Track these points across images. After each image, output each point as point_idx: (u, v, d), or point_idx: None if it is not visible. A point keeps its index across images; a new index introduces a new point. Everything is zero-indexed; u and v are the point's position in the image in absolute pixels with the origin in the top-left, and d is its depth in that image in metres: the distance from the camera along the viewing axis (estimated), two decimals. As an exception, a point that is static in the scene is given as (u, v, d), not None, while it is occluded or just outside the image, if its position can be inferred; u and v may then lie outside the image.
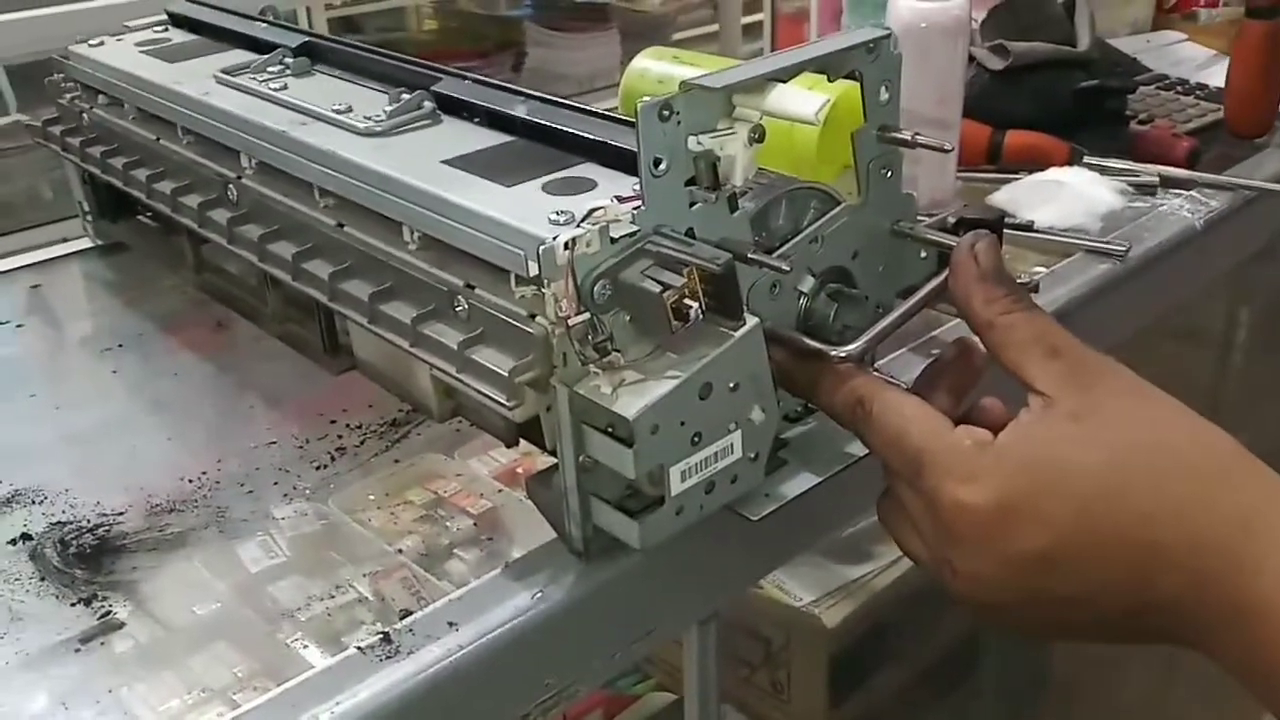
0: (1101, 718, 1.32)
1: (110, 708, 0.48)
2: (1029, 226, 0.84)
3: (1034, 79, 0.98)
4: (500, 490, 0.63)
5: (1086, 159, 0.93)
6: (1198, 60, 1.21)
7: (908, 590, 1.00)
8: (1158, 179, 0.91)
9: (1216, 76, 1.15)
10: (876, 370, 0.59)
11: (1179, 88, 1.12)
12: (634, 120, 0.47)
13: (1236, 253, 0.92)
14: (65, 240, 0.92)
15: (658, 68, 0.90)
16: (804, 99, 0.47)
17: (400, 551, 0.58)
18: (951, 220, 0.61)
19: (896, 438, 0.47)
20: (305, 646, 0.52)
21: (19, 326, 0.81)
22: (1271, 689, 0.40)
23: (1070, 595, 0.44)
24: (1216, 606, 0.41)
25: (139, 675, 0.50)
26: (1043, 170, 0.91)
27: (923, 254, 0.59)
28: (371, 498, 0.62)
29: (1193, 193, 0.90)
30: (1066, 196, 0.87)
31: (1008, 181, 0.91)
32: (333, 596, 0.55)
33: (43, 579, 0.55)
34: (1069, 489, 0.43)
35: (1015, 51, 0.97)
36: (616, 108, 0.86)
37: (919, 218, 0.60)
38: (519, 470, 0.65)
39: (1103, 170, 0.91)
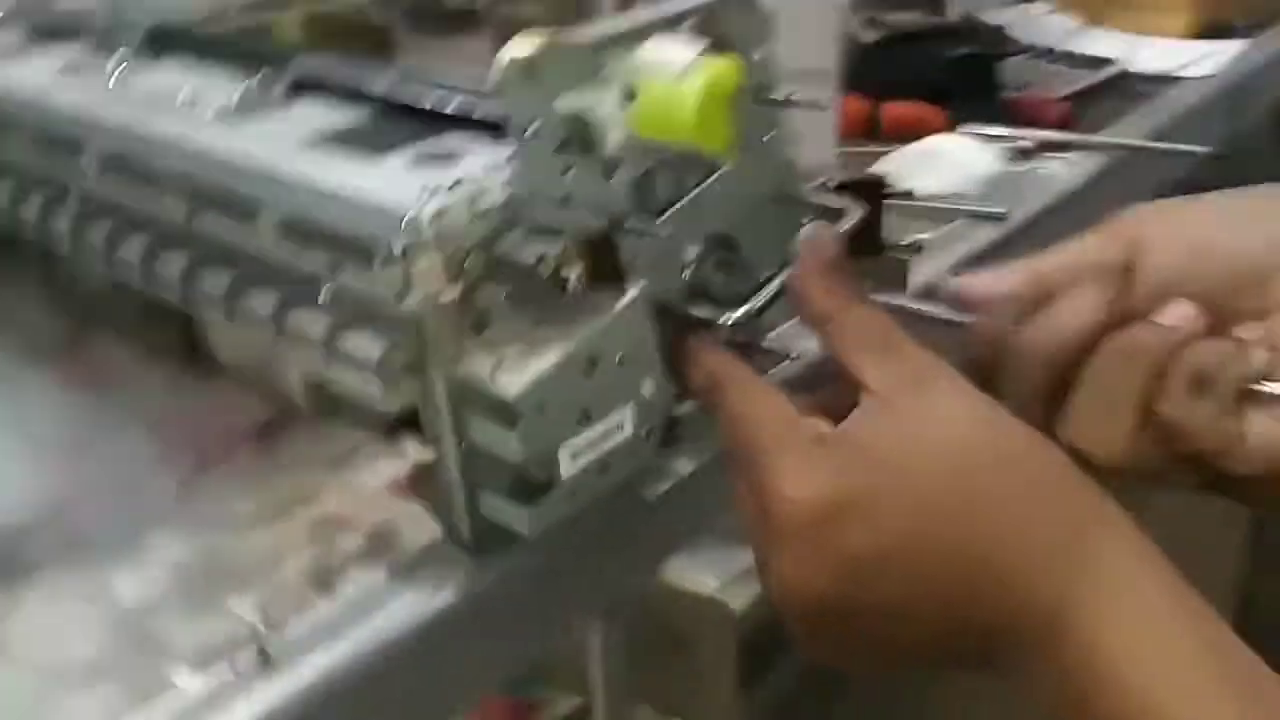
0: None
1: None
2: (908, 194, 0.83)
3: (907, 50, 0.98)
4: (390, 502, 0.60)
5: (963, 126, 0.93)
6: (1065, 30, 1.23)
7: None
8: (1033, 143, 0.92)
9: (1084, 45, 1.18)
10: (768, 340, 0.58)
11: (1048, 56, 1.14)
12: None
13: (1115, 211, 0.93)
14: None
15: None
16: (673, 54, 0.45)
17: (287, 572, 0.54)
18: (832, 185, 0.60)
19: (738, 422, 0.45)
20: (191, 677, 0.48)
21: None
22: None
23: (892, 605, 0.41)
24: (1032, 630, 0.40)
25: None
26: (921, 140, 0.91)
27: (808, 217, 0.57)
28: (249, 509, 0.58)
29: (1069, 155, 0.91)
30: (945, 164, 0.87)
31: (887, 154, 0.90)
32: (213, 622, 0.51)
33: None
34: (904, 493, 0.41)
35: (887, 24, 0.97)
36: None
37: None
38: (411, 471, 0.62)
39: (980, 137, 0.92)
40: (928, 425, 0.42)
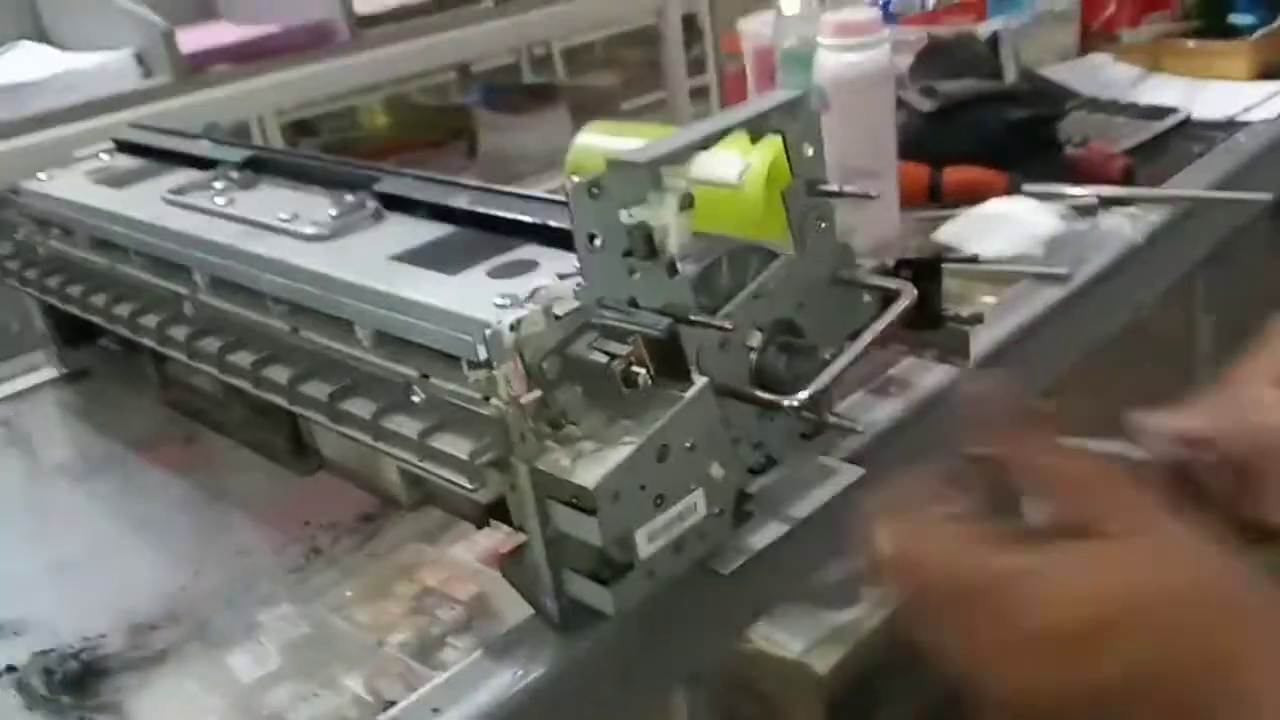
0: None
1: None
2: (974, 259, 0.85)
3: (966, 116, 1.00)
4: (486, 573, 0.64)
5: (1025, 187, 0.95)
6: (1127, 79, 1.24)
7: (898, 630, 1.00)
8: (1096, 199, 0.93)
9: (1146, 94, 1.19)
10: (836, 415, 0.61)
11: (1110, 108, 1.15)
12: (570, 200, 0.48)
13: (1181, 263, 0.94)
14: (34, 369, 0.92)
15: (599, 142, 0.91)
16: (725, 164, 0.49)
17: (391, 646, 0.58)
18: (891, 263, 0.63)
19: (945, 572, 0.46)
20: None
21: (-8, 462, 0.82)
22: None
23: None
24: None
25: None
26: (983, 203, 0.93)
27: (866, 297, 0.60)
28: (350, 594, 0.62)
29: (1131, 209, 0.92)
30: (1008, 226, 0.89)
31: (950, 217, 0.93)
32: (324, 697, 0.55)
33: (30, 709, 0.55)
34: (1144, 621, 0.42)
35: (944, 91, 1.00)
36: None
37: (862, 262, 0.62)
38: (503, 550, 0.66)
39: (1041, 197, 0.93)
40: (1146, 552, 0.43)
